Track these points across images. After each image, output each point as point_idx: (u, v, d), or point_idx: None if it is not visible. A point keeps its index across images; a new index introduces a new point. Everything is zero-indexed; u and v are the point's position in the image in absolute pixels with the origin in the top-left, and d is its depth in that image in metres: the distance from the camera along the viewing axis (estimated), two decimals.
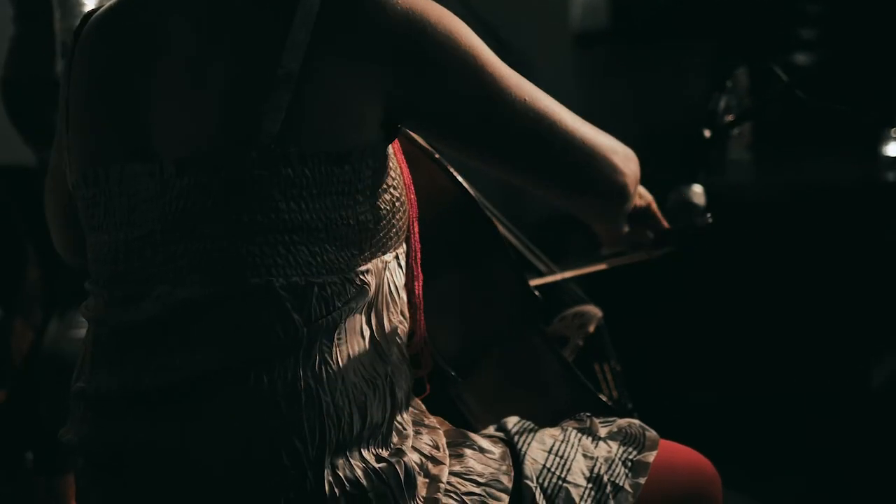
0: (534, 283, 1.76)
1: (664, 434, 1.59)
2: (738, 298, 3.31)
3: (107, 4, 1.44)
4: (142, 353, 1.31)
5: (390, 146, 1.36)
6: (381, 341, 1.33)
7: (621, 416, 1.60)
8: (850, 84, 3.32)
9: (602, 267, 1.83)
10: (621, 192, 1.52)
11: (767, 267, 3.29)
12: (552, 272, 1.79)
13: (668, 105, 3.98)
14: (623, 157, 1.52)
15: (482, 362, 1.62)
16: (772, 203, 3.38)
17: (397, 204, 1.37)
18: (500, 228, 1.65)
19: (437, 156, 1.54)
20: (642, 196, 1.75)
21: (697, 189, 1.86)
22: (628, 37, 4.40)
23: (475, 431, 1.50)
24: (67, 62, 1.45)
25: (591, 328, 1.79)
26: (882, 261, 3.11)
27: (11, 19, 3.04)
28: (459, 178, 1.55)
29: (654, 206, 1.79)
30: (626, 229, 1.76)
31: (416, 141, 1.54)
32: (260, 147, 1.25)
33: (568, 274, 1.82)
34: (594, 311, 1.82)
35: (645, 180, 1.73)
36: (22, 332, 3.41)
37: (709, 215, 1.85)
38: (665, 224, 1.79)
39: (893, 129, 3.30)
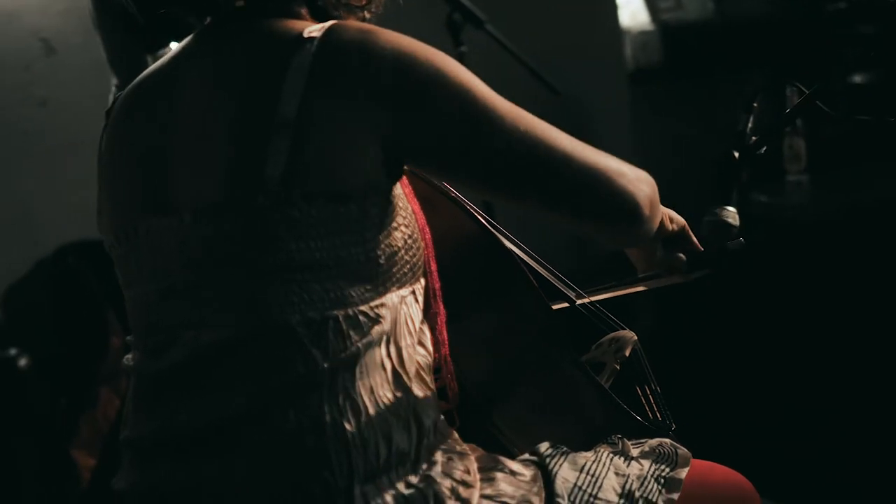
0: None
1: (706, 453, 1.60)
2: (789, 318, 3.29)
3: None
4: (174, 399, 1.37)
5: (398, 186, 1.40)
6: (402, 373, 1.37)
7: (660, 437, 1.62)
8: None
9: (639, 288, 1.83)
10: (631, 214, 1.47)
11: (822, 286, 3.26)
12: (581, 297, 1.80)
13: (724, 136, 3.99)
14: (633, 180, 1.48)
15: (514, 391, 1.65)
16: (829, 222, 3.35)
17: (409, 241, 1.40)
18: (525, 258, 1.68)
19: (453, 193, 1.58)
20: (673, 220, 1.73)
21: (730, 210, 1.83)
22: (682, 72, 4.42)
23: (513, 459, 1.53)
24: (102, 140, 1.54)
25: (627, 352, 1.80)
26: None
27: (113, 95, 3.15)
28: (476, 212, 1.58)
29: (688, 229, 1.77)
30: (660, 253, 1.75)
31: (431, 182, 1.58)
32: (265, 192, 1.31)
33: (604, 296, 1.83)
34: (629, 335, 1.83)
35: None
36: (108, 400, 3.50)
37: (741, 238, 1.81)
38: (699, 247, 1.77)
39: None
